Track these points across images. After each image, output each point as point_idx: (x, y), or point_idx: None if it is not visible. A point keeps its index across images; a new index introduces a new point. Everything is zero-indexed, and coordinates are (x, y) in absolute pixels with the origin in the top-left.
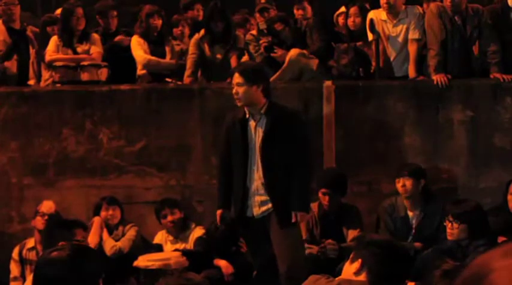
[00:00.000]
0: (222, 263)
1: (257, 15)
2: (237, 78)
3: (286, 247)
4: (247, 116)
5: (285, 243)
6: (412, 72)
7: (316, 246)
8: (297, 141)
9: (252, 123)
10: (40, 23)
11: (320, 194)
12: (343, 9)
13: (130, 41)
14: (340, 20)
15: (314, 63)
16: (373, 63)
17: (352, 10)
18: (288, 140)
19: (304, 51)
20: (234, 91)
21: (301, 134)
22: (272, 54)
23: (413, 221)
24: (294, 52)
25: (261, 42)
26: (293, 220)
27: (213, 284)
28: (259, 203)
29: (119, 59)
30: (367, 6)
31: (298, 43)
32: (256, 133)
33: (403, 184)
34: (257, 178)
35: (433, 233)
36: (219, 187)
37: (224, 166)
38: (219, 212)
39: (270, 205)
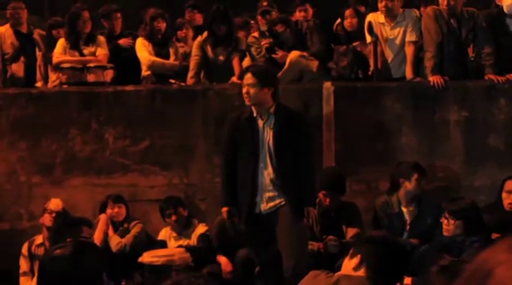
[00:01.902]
0: (222, 260)
1: (259, 17)
2: (249, 79)
3: (293, 242)
4: (254, 115)
5: (292, 238)
6: (409, 74)
7: (316, 243)
8: (304, 140)
9: (260, 122)
10: (46, 26)
11: (321, 196)
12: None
13: (134, 44)
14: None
15: (314, 64)
16: (371, 65)
17: (348, 12)
18: (296, 139)
19: (305, 53)
20: (244, 90)
21: (308, 133)
22: (273, 56)
23: (407, 218)
24: (294, 54)
25: (262, 43)
26: (306, 215)
27: (216, 279)
28: (267, 199)
29: (123, 60)
30: (361, 9)
31: (299, 45)
32: (265, 131)
33: (408, 185)
34: (266, 175)
35: (427, 229)
36: (224, 186)
37: (228, 165)
38: (225, 209)
39: (277, 201)
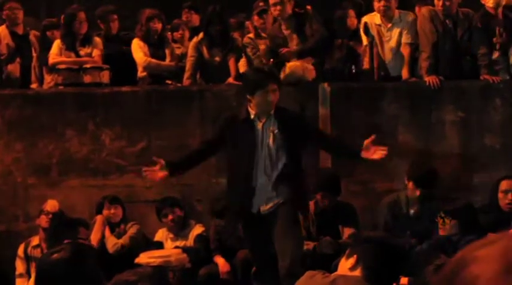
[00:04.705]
0: (220, 261)
1: (255, 17)
2: (274, 85)
3: (289, 243)
4: (252, 117)
5: (288, 239)
6: (405, 74)
7: (312, 243)
8: (317, 130)
9: (258, 124)
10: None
11: (318, 197)
12: None
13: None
14: None
15: (310, 74)
16: (366, 64)
17: (352, 12)
18: (302, 138)
19: (299, 64)
20: (272, 98)
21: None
22: (279, 53)
23: (413, 218)
24: (289, 65)
25: (261, 46)
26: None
27: (212, 280)
28: (265, 200)
29: (119, 61)
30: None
31: (300, 34)
32: (264, 133)
33: (414, 190)
34: (265, 176)
35: (429, 229)
36: (182, 157)
37: (200, 147)
38: (162, 160)
39: (276, 201)
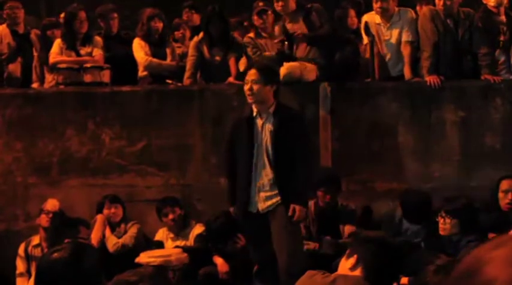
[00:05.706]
0: (218, 261)
1: (255, 17)
2: (253, 75)
3: (287, 242)
4: (254, 114)
5: (286, 238)
6: (407, 74)
7: (312, 243)
8: (301, 140)
9: (259, 121)
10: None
11: (320, 194)
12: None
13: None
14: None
15: (311, 74)
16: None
17: (352, 12)
18: (293, 139)
19: (296, 64)
20: (247, 87)
21: (305, 133)
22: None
23: (408, 233)
24: (285, 69)
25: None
26: (289, 213)
27: (212, 280)
28: (264, 199)
29: (120, 61)
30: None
31: (308, 23)
32: (263, 131)
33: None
34: (263, 175)
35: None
36: (230, 185)
37: (229, 164)
38: (233, 209)
39: (274, 200)
